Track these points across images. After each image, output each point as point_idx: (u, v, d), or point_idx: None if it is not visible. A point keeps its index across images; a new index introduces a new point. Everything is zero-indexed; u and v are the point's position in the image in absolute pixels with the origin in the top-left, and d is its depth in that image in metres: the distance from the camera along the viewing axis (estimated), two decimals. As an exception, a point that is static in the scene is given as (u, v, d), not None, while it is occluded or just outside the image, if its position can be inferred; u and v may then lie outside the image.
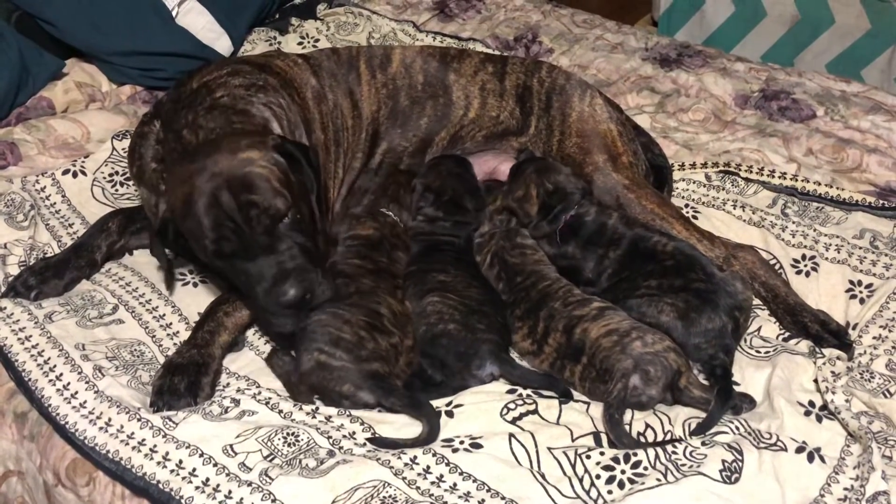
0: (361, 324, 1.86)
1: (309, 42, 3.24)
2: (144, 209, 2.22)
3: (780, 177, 2.55)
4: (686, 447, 1.71)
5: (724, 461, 1.66)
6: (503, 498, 1.62)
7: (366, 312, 1.90)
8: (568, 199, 2.17)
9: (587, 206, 2.17)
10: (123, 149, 2.58)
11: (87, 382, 1.86)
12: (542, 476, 1.67)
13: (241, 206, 1.84)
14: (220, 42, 3.05)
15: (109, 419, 1.78)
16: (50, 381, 1.88)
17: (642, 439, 1.76)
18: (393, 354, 1.87)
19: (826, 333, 2.02)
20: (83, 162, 2.54)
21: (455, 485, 1.65)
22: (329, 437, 1.75)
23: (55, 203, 2.44)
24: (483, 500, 1.62)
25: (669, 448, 1.70)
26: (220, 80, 2.21)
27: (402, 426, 1.79)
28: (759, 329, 2.05)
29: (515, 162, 2.39)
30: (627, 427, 1.77)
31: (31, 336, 1.98)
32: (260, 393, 1.88)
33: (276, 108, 2.17)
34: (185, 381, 1.85)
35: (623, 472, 1.67)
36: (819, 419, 1.81)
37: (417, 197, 2.27)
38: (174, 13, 2.97)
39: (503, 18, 3.46)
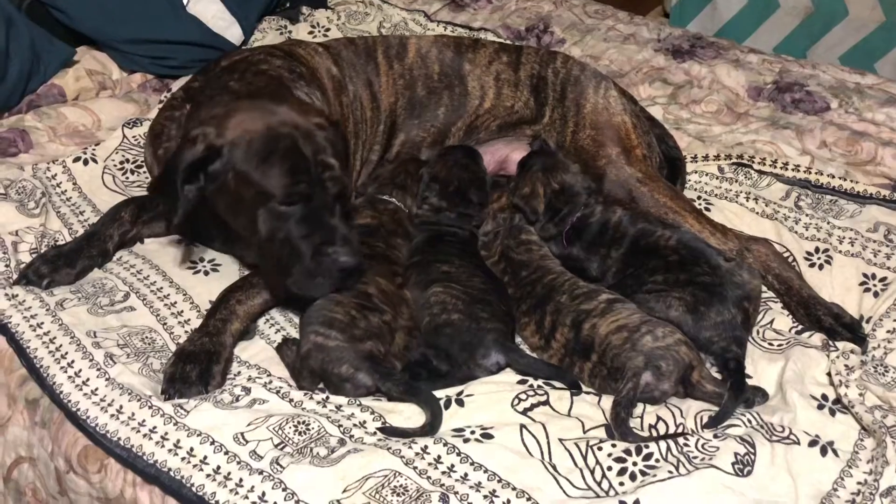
0: (353, 304, 1.88)
1: (320, 31, 3.23)
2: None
3: (793, 169, 2.53)
4: (698, 439, 1.70)
5: (736, 454, 1.65)
6: (514, 488, 1.62)
7: (355, 294, 1.92)
8: (574, 200, 2.16)
9: (592, 206, 2.16)
10: (134, 136, 2.58)
11: (98, 370, 1.87)
12: (554, 467, 1.67)
13: (317, 164, 1.86)
14: (231, 31, 3.04)
15: (121, 406, 1.78)
16: (61, 368, 1.88)
17: (654, 432, 1.76)
18: (387, 332, 1.89)
19: (840, 327, 2.01)
20: (94, 149, 2.53)
21: (466, 475, 1.65)
22: (340, 426, 1.75)
23: (66, 191, 2.44)
24: (494, 491, 1.61)
25: (681, 440, 1.70)
26: (260, 58, 2.22)
27: (412, 415, 1.79)
28: (772, 322, 2.04)
29: (526, 153, 2.38)
30: (639, 419, 1.77)
31: (42, 323, 1.98)
32: (271, 382, 1.88)
33: (315, 99, 2.19)
34: (196, 369, 1.85)
35: (635, 463, 1.66)
36: (832, 413, 1.80)
37: (423, 186, 2.27)
38: (185, 1, 2.96)
39: (514, 8, 3.44)
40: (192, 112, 2.07)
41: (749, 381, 1.85)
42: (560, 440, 1.71)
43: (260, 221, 1.90)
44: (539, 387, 1.84)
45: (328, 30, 3.24)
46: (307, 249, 1.88)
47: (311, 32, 3.22)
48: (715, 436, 1.71)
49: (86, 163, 2.50)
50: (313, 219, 1.88)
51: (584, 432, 1.74)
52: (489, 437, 1.72)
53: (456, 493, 1.61)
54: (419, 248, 2.16)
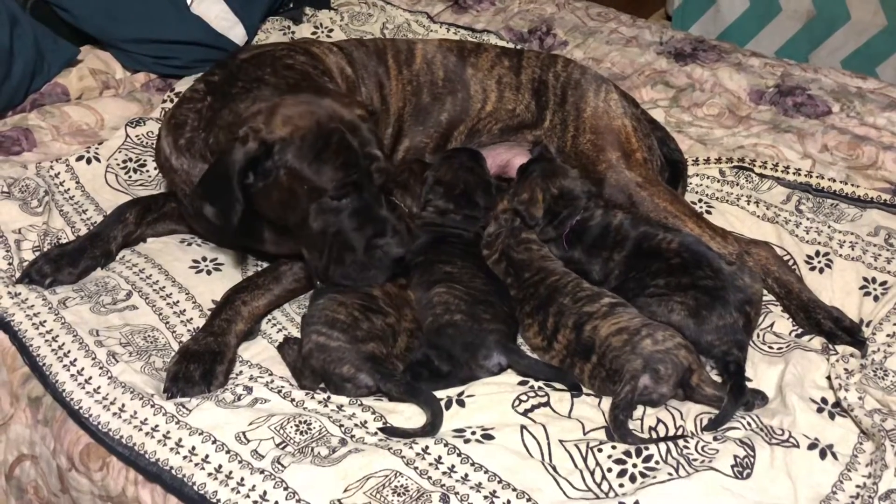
0: (356, 305, 1.89)
1: (323, 32, 3.24)
2: (171, 188, 2.23)
3: (794, 173, 2.54)
4: (698, 442, 1.71)
5: (735, 456, 1.66)
6: (514, 489, 1.63)
7: (359, 295, 1.92)
8: (574, 203, 2.17)
9: (592, 210, 2.17)
10: (137, 136, 2.59)
11: (100, 368, 1.87)
12: (554, 468, 1.67)
13: (365, 156, 1.89)
14: (235, 31, 3.05)
15: (123, 405, 1.79)
16: (64, 366, 1.88)
17: (654, 434, 1.76)
18: (390, 334, 1.90)
19: (839, 330, 2.01)
20: (97, 148, 2.54)
21: (467, 475, 1.65)
22: (341, 426, 1.75)
23: (69, 189, 2.45)
24: (494, 491, 1.62)
25: (681, 442, 1.70)
26: (284, 52, 2.24)
27: (413, 415, 1.80)
28: (771, 325, 2.05)
29: (529, 156, 2.38)
30: (639, 422, 1.78)
31: (45, 321, 1.98)
32: (273, 381, 1.89)
33: None
34: (200, 368, 1.86)
35: (635, 465, 1.67)
36: (832, 416, 1.80)
37: (427, 189, 2.27)
38: (189, 1, 2.97)
39: (517, 10, 3.45)
40: (221, 105, 2.06)
41: (749, 385, 1.86)
42: (560, 441, 1.72)
43: (311, 216, 1.92)
44: (540, 388, 1.84)
45: (331, 30, 3.24)
46: (360, 242, 1.92)
47: (314, 33, 3.22)
48: (715, 438, 1.71)
49: (89, 162, 2.51)
50: (364, 211, 1.92)
51: (585, 434, 1.75)
52: (490, 437, 1.72)
53: (456, 493, 1.61)
54: (422, 249, 2.17)
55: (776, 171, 2.55)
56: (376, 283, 1.95)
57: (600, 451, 1.70)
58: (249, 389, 1.84)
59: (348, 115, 1.93)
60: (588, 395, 1.85)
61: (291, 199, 1.92)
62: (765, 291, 2.11)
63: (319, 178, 1.88)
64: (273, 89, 2.03)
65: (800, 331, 2.03)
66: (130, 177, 2.52)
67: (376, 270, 1.94)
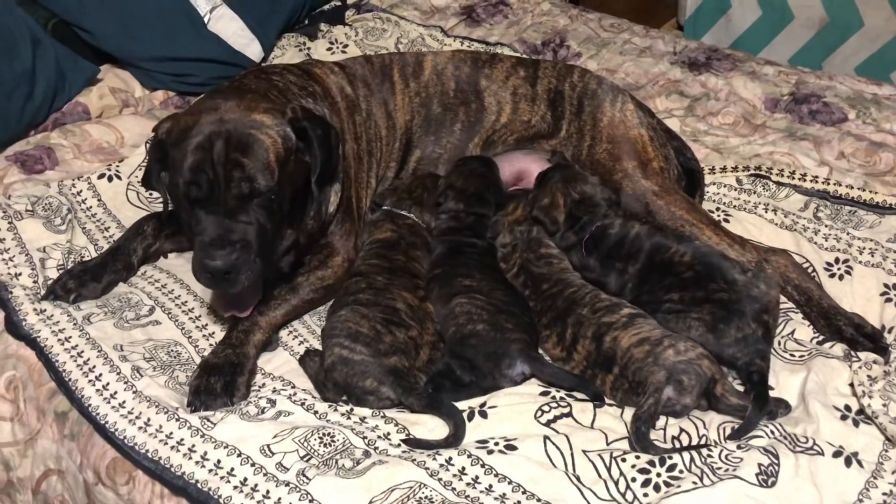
0: (378, 318, 1.90)
1: (338, 48, 3.27)
2: None
3: (811, 180, 2.53)
4: (721, 450, 1.71)
5: (760, 465, 1.65)
6: (539, 500, 1.63)
7: (382, 308, 1.93)
8: (594, 210, 2.17)
9: (612, 218, 2.17)
10: (157, 153, 2.62)
11: (125, 382, 1.89)
12: (578, 478, 1.67)
13: (228, 162, 1.88)
14: (251, 48, 3.09)
15: (148, 419, 1.80)
16: (89, 381, 1.91)
17: (677, 444, 1.76)
18: (412, 347, 1.90)
19: (861, 337, 2.00)
20: (118, 166, 2.57)
21: (490, 486, 1.66)
22: (364, 438, 1.76)
23: (91, 206, 2.48)
24: (519, 502, 1.62)
25: (705, 451, 1.70)
26: (276, 70, 2.32)
27: (436, 427, 1.80)
28: (793, 332, 2.04)
29: (545, 165, 2.39)
30: (661, 431, 1.77)
31: (70, 337, 2.01)
32: (295, 394, 1.90)
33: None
34: (221, 380, 1.88)
35: (658, 475, 1.66)
36: (856, 423, 1.79)
37: (439, 193, 2.29)
38: (206, 19, 3.01)
39: (530, 23, 3.47)
40: None
41: (771, 393, 1.85)
42: (584, 452, 1.72)
43: (184, 211, 1.97)
44: (562, 398, 1.85)
45: (346, 46, 3.27)
46: (196, 245, 1.91)
47: (329, 49, 3.25)
48: (738, 447, 1.71)
49: (110, 179, 2.54)
50: (208, 216, 1.90)
51: (608, 444, 1.75)
52: (513, 448, 1.73)
53: (481, 504, 1.62)
54: (439, 260, 2.18)
55: (793, 178, 2.54)
56: (209, 287, 1.95)
57: (624, 460, 1.69)
58: (273, 402, 1.86)
59: (237, 119, 1.91)
60: (610, 405, 1.85)
61: (173, 192, 1.98)
62: (784, 299, 2.11)
63: (177, 175, 1.91)
64: (210, 94, 2.10)
65: (821, 338, 2.02)
66: (151, 194, 2.54)
67: (205, 275, 1.90)
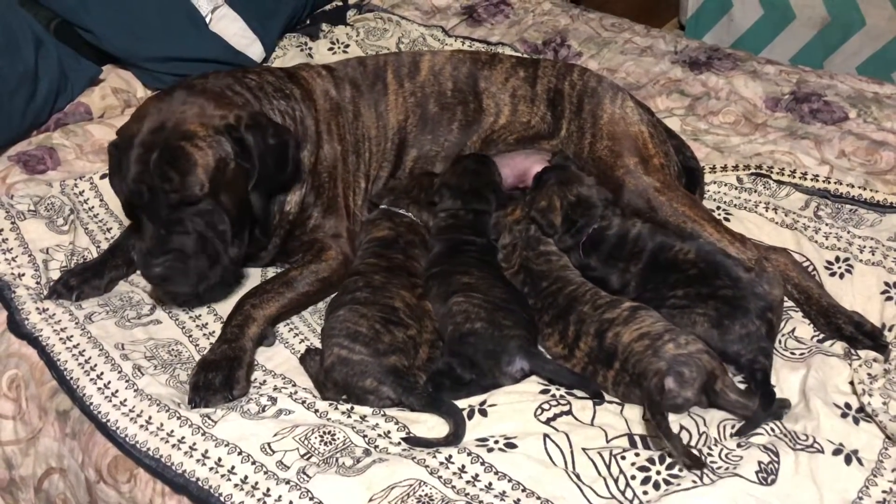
0: (377, 318, 1.90)
1: (339, 48, 3.28)
2: None
3: (812, 179, 2.53)
4: (721, 449, 1.71)
5: (760, 463, 1.65)
6: (538, 498, 1.63)
7: (380, 307, 1.94)
8: (591, 212, 2.17)
9: (610, 218, 2.17)
10: (159, 153, 2.63)
11: (126, 381, 1.90)
12: (577, 476, 1.68)
13: (161, 174, 1.95)
14: (253, 48, 3.09)
15: (150, 417, 1.81)
16: (91, 379, 1.91)
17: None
18: (411, 346, 1.91)
19: (861, 335, 2.00)
20: (120, 166, 2.58)
21: (490, 484, 1.66)
22: (365, 437, 1.77)
23: (93, 207, 2.48)
24: (518, 500, 1.63)
25: (705, 449, 1.70)
26: (256, 71, 2.38)
27: (436, 425, 1.81)
28: (793, 330, 2.04)
29: (546, 165, 2.39)
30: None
31: (72, 336, 2.02)
32: (296, 392, 1.90)
33: (288, 118, 2.26)
34: (219, 376, 1.89)
35: (658, 472, 1.67)
36: (856, 421, 1.79)
37: (435, 192, 2.29)
38: (207, 19, 3.01)
39: (531, 23, 3.47)
40: None
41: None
42: (583, 449, 1.72)
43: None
44: (562, 396, 1.85)
45: (347, 46, 3.28)
46: (137, 252, 2.05)
47: (330, 49, 3.26)
48: (738, 445, 1.71)
49: (112, 179, 2.54)
50: (148, 224, 2.01)
51: (608, 441, 1.75)
52: (513, 446, 1.73)
53: (480, 502, 1.62)
54: (437, 259, 2.18)
55: (794, 177, 2.54)
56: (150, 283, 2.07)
57: (623, 458, 1.70)
58: (273, 400, 1.86)
59: (172, 129, 1.98)
60: (610, 402, 1.85)
61: (122, 198, 2.11)
62: (785, 297, 2.11)
63: (121, 183, 2.03)
64: (169, 98, 2.13)
65: (821, 336, 2.03)
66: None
67: (149, 279, 2.04)
